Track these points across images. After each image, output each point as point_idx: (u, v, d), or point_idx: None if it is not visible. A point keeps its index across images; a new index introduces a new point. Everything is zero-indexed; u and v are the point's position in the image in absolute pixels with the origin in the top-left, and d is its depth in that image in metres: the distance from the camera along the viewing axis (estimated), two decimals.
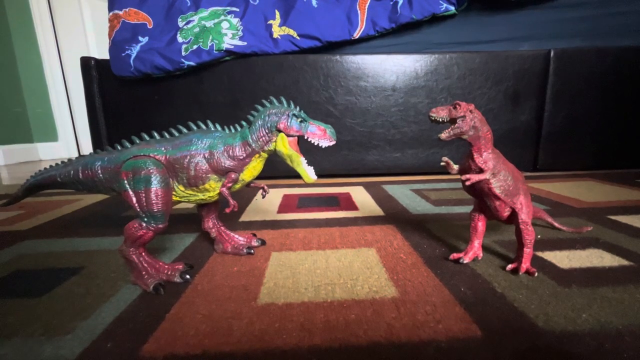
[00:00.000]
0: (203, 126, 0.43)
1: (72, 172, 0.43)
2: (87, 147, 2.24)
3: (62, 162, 0.44)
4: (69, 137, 2.20)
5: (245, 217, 0.68)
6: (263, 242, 0.51)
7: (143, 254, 0.40)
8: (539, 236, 0.53)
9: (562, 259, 0.45)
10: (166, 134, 0.42)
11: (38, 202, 0.86)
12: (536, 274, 0.40)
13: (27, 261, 0.48)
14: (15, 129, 1.99)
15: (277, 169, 1.05)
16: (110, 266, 0.46)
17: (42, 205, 0.82)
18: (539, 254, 0.46)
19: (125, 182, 0.39)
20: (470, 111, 0.37)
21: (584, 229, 0.54)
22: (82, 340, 0.30)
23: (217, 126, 0.43)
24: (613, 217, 0.61)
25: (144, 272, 0.39)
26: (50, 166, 0.45)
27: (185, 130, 0.43)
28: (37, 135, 2.11)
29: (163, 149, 0.41)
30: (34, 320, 0.34)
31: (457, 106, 0.38)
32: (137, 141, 0.42)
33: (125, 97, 1.04)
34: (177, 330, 0.31)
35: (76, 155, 2.22)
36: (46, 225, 0.66)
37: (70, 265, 0.47)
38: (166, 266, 0.41)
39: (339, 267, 0.44)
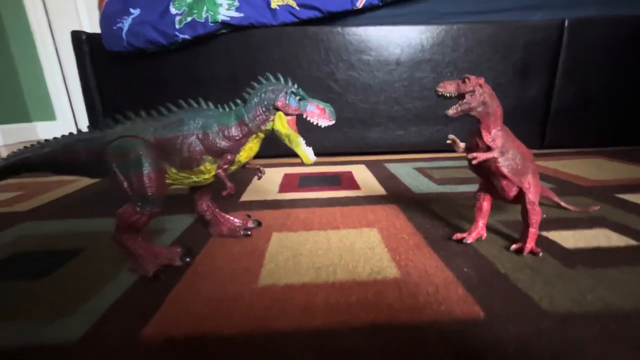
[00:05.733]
0: (194, 104, 0.40)
1: (50, 154, 0.39)
2: (85, 126, 2.21)
3: (39, 142, 0.40)
4: (67, 115, 2.16)
5: (245, 197, 0.67)
6: (259, 224, 0.51)
7: (139, 239, 0.38)
8: (544, 215, 0.52)
9: (568, 238, 0.44)
10: (154, 113, 0.39)
11: (37, 183, 0.85)
12: (541, 254, 0.39)
13: (27, 243, 0.48)
14: (12, 108, 1.96)
15: (278, 148, 1.03)
16: (111, 248, 0.45)
17: (40, 186, 0.82)
18: (544, 233, 0.45)
19: (114, 165, 0.36)
20: (480, 85, 0.35)
21: (590, 209, 0.53)
22: (83, 323, 0.30)
23: (210, 104, 0.41)
24: (621, 196, 0.59)
25: (142, 259, 0.38)
26: (25, 147, 0.40)
27: (174, 109, 0.40)
28: (34, 114, 2.08)
29: (152, 129, 0.38)
30: (35, 302, 0.34)
31: (466, 80, 0.35)
32: (123, 120, 0.39)
33: (120, 72, 1.01)
34: (178, 313, 0.31)
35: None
36: (45, 206, 0.66)
37: (71, 247, 0.46)
38: (164, 250, 0.40)
39: (340, 247, 0.43)
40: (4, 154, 1.49)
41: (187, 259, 0.41)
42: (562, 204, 0.53)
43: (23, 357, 0.27)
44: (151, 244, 0.40)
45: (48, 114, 2.13)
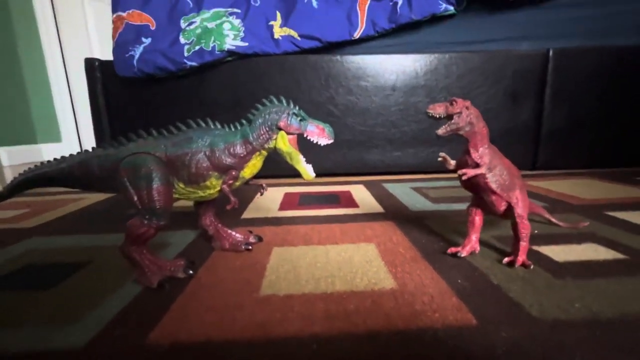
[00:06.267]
0: (202, 124, 0.43)
1: (66, 169, 0.42)
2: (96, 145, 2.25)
3: (55, 159, 0.43)
4: (72, 138, 2.21)
5: (247, 215, 0.69)
6: (260, 239, 0.52)
7: (144, 251, 0.40)
8: (535, 231, 0.53)
9: (558, 252, 0.45)
10: (164, 132, 0.42)
11: (43, 201, 0.87)
12: (532, 267, 0.41)
13: (35, 256, 0.50)
14: (19, 130, 2.01)
15: (279, 168, 1.06)
16: (116, 261, 0.47)
17: (46, 204, 0.84)
18: (536, 248, 0.47)
19: (126, 179, 0.38)
20: (467, 107, 0.38)
21: (580, 225, 0.55)
22: (90, 328, 0.31)
23: (217, 124, 0.44)
24: (610, 213, 0.62)
25: (146, 270, 0.39)
26: (42, 163, 0.43)
27: (184, 128, 0.42)
28: (40, 137, 2.13)
29: (163, 146, 0.41)
30: (43, 310, 0.35)
31: (454, 103, 0.39)
32: (135, 138, 0.42)
33: (129, 97, 1.06)
34: (182, 320, 0.32)
35: None
36: (52, 222, 0.67)
37: (77, 260, 0.48)
38: (168, 263, 0.41)
39: (339, 261, 0.45)
40: (10, 175, 1.51)
41: (190, 272, 0.42)
42: (553, 220, 0.55)
43: None
44: (156, 257, 0.41)
45: (54, 136, 2.18)
